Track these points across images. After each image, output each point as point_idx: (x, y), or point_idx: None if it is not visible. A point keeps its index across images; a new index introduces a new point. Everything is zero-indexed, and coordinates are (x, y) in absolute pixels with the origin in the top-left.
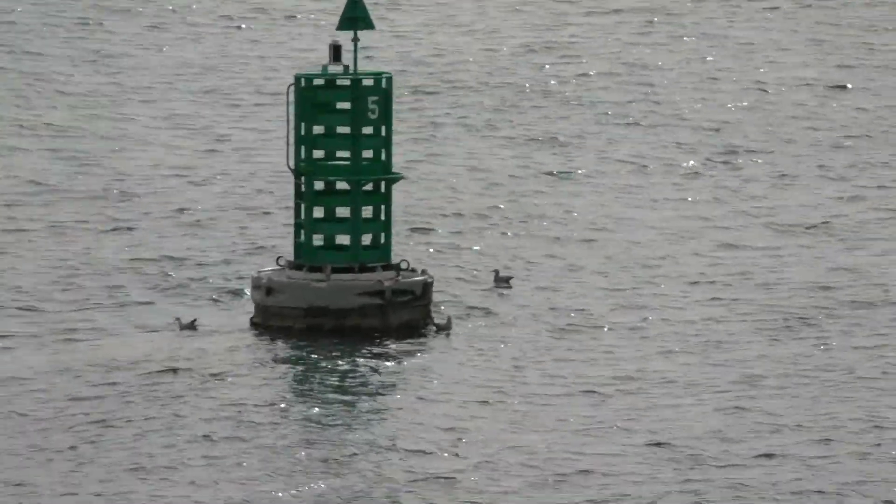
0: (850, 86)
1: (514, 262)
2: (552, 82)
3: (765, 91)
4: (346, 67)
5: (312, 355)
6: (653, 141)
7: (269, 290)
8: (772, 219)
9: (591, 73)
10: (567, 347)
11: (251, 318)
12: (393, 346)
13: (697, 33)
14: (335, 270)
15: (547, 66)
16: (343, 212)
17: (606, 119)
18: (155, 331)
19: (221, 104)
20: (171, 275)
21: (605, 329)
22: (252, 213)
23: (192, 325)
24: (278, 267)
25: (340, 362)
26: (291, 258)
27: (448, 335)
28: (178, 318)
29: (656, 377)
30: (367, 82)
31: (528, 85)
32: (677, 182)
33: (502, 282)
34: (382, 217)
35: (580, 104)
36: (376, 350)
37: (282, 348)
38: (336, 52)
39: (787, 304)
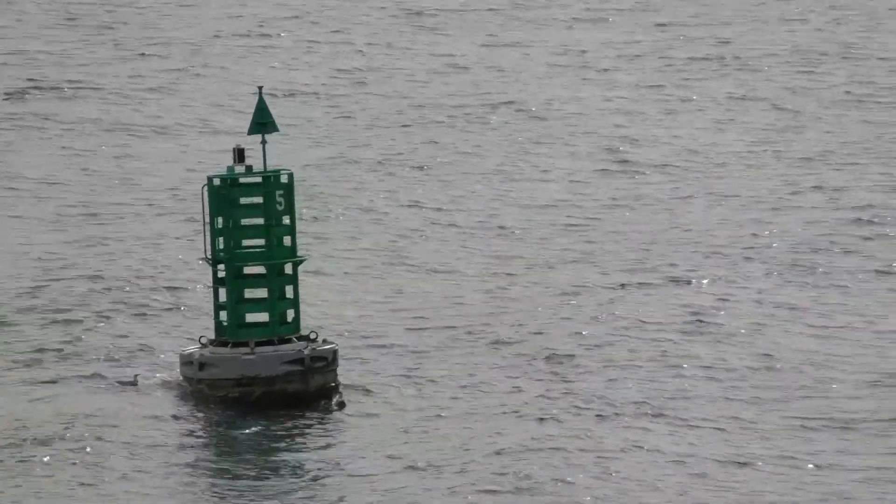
0: None
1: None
2: None
3: None
4: (250, 167)
5: (247, 417)
6: None
7: (202, 365)
8: None
9: None
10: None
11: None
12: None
13: None
14: (257, 344)
15: None
16: (252, 293)
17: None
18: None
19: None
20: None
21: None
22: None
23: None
24: (201, 345)
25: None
26: (212, 337)
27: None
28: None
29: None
30: (274, 179)
31: None
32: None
33: None
34: (290, 295)
35: None
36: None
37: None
38: (240, 154)
39: None
